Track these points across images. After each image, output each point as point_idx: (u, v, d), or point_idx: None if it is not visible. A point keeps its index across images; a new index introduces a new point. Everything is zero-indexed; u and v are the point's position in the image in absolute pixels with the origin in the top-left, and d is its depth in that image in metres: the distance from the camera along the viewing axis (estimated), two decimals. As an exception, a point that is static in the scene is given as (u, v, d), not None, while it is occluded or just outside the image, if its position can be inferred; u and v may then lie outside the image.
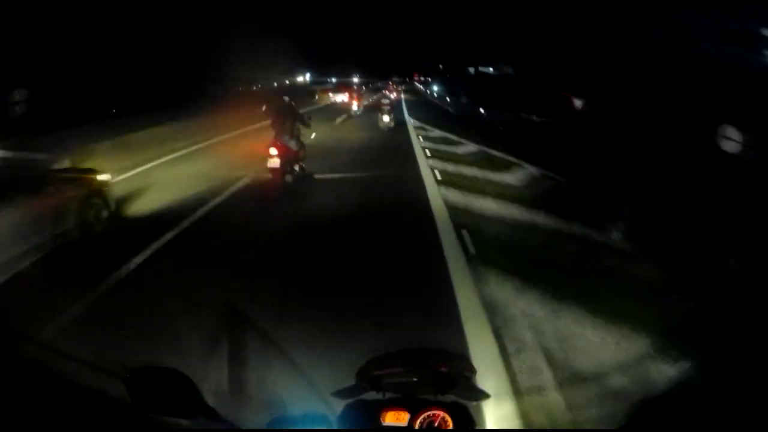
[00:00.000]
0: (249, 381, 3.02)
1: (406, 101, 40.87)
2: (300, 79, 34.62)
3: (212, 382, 2.93)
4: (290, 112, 8.95)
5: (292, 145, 8.69)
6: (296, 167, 8.76)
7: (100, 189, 6.13)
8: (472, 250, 5.40)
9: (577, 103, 16.59)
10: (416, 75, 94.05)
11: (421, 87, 73.71)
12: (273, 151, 8.27)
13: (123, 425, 2.00)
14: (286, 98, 9.28)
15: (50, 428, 2.24)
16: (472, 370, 1.40)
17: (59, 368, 2.47)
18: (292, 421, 1.17)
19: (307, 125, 9.27)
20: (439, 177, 9.42)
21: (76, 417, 2.31)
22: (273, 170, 8.27)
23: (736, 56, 11.00)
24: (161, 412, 1.07)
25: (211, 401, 1.09)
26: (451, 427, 1.23)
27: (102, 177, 6.24)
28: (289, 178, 8.42)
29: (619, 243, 5.86)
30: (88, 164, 7.65)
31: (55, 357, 2.40)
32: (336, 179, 9.46)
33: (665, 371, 3.22)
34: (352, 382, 1.39)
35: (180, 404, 1.07)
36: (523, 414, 2.73)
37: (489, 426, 2.52)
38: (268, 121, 9.06)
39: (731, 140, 8.56)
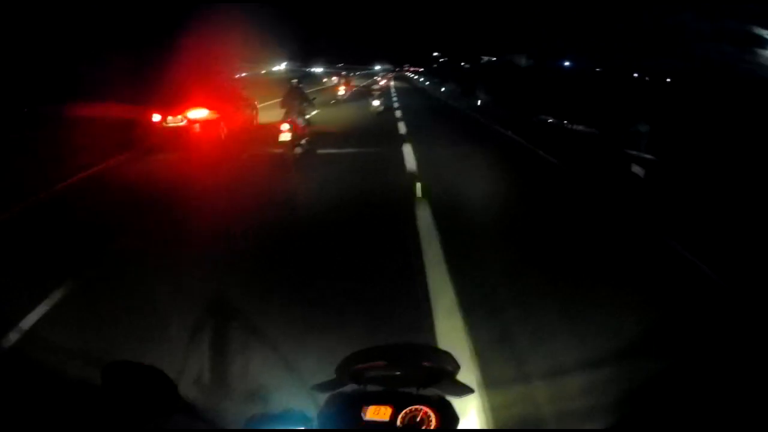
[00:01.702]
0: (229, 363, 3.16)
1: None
2: (276, 68, 33.45)
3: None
4: (299, 95, 10.55)
5: (300, 122, 10.25)
6: (303, 141, 10.31)
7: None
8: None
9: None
10: (409, 67, 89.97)
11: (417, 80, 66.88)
12: (285, 126, 9.82)
13: (98, 421, 1.87)
14: (295, 81, 10.89)
15: (26, 424, 2.23)
16: (456, 366, 1.35)
17: (37, 361, 2.80)
18: (271, 419, 1.16)
19: (312, 105, 10.86)
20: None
21: (52, 410, 2.32)
22: (284, 143, 9.82)
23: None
24: (137, 409, 1.07)
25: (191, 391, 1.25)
26: (434, 422, 1.20)
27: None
28: (298, 150, 9.97)
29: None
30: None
31: (32, 350, 2.92)
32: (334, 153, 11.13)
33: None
34: (332, 374, 1.35)
35: (157, 401, 1.07)
36: (506, 407, 2.76)
37: (473, 420, 2.54)
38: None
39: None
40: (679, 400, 2.66)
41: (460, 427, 1.24)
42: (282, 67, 36.13)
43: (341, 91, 26.32)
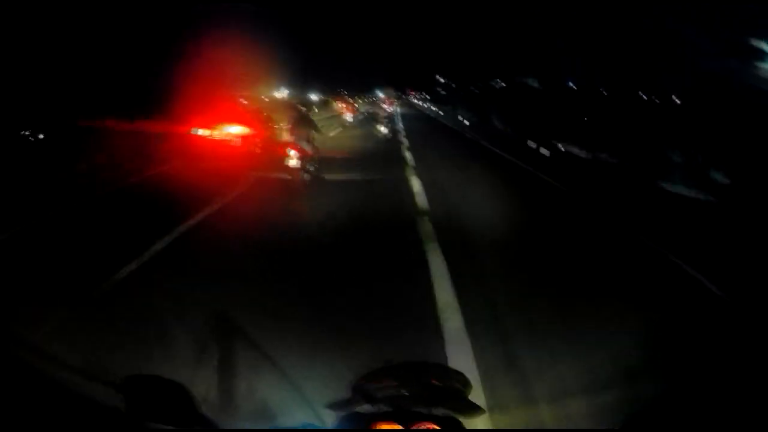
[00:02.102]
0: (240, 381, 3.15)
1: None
2: (277, 94, 32.89)
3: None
4: (306, 121, 10.73)
5: (308, 148, 10.39)
6: (311, 167, 10.44)
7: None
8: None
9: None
10: (411, 91, 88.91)
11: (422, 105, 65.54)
12: (292, 152, 9.97)
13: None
14: (303, 109, 11.13)
15: None
16: (467, 385, 1.38)
17: (52, 374, 2.70)
18: None
19: (319, 131, 11.03)
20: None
21: (69, 425, 2.40)
22: (293, 169, 9.95)
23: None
24: (157, 421, 1.08)
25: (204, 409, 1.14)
26: None
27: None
28: (306, 175, 10.09)
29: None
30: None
31: (48, 363, 2.72)
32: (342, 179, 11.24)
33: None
34: (346, 393, 1.38)
35: (176, 413, 1.09)
36: (518, 427, 2.81)
37: None
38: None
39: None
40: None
41: None
42: (282, 92, 35.48)
43: (349, 117, 26.83)
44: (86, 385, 2.51)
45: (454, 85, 55.39)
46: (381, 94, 72.77)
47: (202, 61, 17.33)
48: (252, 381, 3.13)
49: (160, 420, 1.08)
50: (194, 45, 18.22)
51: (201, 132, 13.36)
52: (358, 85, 68.36)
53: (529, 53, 26.95)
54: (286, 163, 10.00)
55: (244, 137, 13.72)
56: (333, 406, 1.34)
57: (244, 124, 13.84)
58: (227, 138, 13.42)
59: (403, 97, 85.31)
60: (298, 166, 9.95)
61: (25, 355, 2.98)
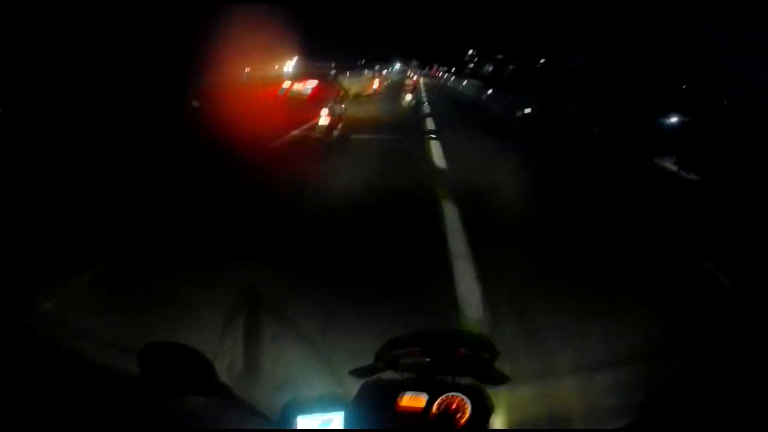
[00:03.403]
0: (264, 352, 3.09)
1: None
2: (286, 68, 31.89)
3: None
4: (338, 86, 11.71)
5: (338, 110, 11.35)
6: (339, 126, 11.43)
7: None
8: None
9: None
10: (434, 70, 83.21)
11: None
12: (324, 112, 10.95)
13: (134, 402, 1.90)
14: (333, 72, 12.09)
15: (59, 405, 2.24)
16: (494, 353, 1.34)
17: (71, 342, 2.76)
18: (309, 404, 1.16)
19: (348, 97, 11.99)
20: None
21: (85, 392, 2.33)
22: (323, 128, 10.94)
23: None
24: (174, 390, 1.09)
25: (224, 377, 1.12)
26: (468, 411, 1.20)
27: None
28: (335, 133, 11.09)
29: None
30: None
31: (67, 331, 2.89)
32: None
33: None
34: (369, 360, 1.35)
35: (194, 382, 1.08)
36: (542, 399, 2.67)
37: (505, 410, 2.70)
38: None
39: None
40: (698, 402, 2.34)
41: (493, 416, 1.24)
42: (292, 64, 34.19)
43: (376, 85, 27.58)
44: (103, 353, 2.50)
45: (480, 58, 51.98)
46: (402, 66, 71.91)
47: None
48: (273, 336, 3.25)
49: (177, 388, 1.07)
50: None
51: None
52: (379, 57, 66.62)
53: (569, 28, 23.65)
54: (318, 123, 10.98)
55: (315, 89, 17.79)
56: (356, 372, 1.33)
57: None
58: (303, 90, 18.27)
59: (427, 71, 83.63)
60: (328, 125, 10.93)
61: (42, 324, 3.12)
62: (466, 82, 42.48)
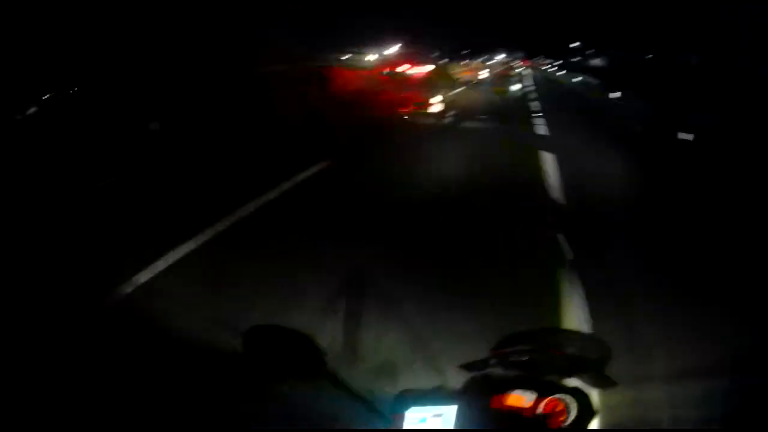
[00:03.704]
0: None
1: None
2: (387, 52, 32.82)
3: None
4: (449, 74, 12.16)
5: (448, 96, 11.82)
6: (451, 112, 11.88)
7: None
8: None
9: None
10: (538, 61, 79.75)
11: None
12: (436, 99, 11.51)
13: (238, 385, 1.90)
14: (446, 60, 12.51)
15: (160, 383, 2.25)
16: (605, 354, 1.32)
17: (175, 321, 2.81)
18: (421, 396, 1.15)
19: (459, 85, 12.37)
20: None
21: (188, 372, 2.33)
22: (435, 114, 11.48)
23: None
24: (281, 374, 1.11)
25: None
26: (573, 414, 1.21)
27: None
28: (446, 119, 11.56)
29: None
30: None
31: (172, 309, 2.95)
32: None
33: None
34: (480, 352, 1.35)
35: (301, 367, 1.07)
36: (632, 404, 2.56)
37: (605, 414, 2.31)
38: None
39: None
40: None
41: (595, 421, 1.23)
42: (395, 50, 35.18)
43: (483, 74, 27.81)
44: (209, 334, 2.56)
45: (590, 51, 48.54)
46: (507, 56, 70.56)
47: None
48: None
49: (285, 372, 1.07)
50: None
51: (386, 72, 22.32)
52: (483, 47, 65.15)
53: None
54: (430, 110, 11.54)
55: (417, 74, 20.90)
56: (467, 366, 1.33)
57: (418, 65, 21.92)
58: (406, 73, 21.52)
59: (532, 61, 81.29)
60: (439, 111, 11.45)
61: (150, 303, 3.16)
62: (567, 73, 41.67)
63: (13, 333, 2.84)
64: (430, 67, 21.00)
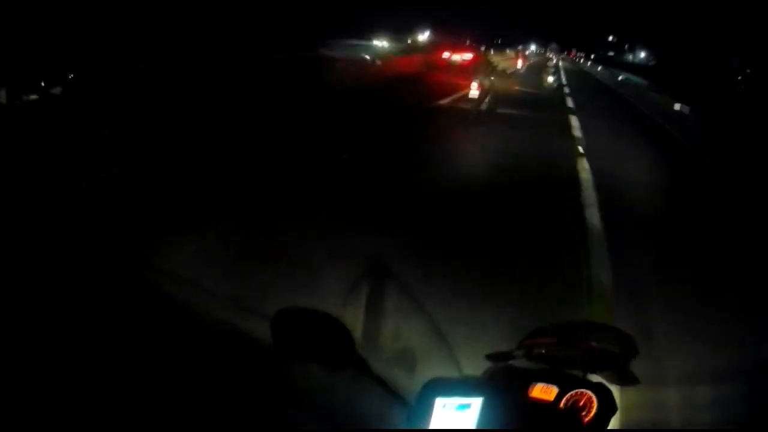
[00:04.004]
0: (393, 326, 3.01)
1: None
2: (420, 38, 34.34)
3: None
4: (486, 63, 12.46)
5: (486, 83, 12.09)
6: (488, 98, 12.16)
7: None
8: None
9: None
10: (572, 53, 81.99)
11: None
12: (474, 85, 11.76)
13: (264, 369, 1.86)
14: (483, 48, 12.83)
15: (186, 368, 2.24)
16: (632, 351, 1.27)
17: (200, 305, 2.77)
18: (449, 385, 1.11)
19: (496, 72, 12.67)
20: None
21: (214, 357, 2.32)
22: (473, 99, 11.77)
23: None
24: (307, 359, 1.05)
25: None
26: (595, 409, 1.20)
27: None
28: (484, 105, 11.86)
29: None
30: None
31: (198, 293, 2.90)
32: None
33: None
34: (506, 343, 1.33)
35: (329, 352, 1.03)
36: (651, 404, 2.56)
37: (629, 411, 2.31)
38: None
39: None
40: None
41: (615, 418, 1.20)
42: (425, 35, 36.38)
43: (518, 64, 28.02)
44: (236, 317, 2.55)
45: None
46: (540, 48, 70.02)
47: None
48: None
49: (312, 357, 1.04)
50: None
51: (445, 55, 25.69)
52: (516, 38, 63.93)
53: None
54: (468, 95, 11.84)
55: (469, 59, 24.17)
56: (492, 357, 1.33)
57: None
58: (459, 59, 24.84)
59: (566, 54, 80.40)
60: (477, 97, 11.73)
61: (177, 288, 3.04)
62: (601, 68, 40.21)
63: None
64: (472, 55, 23.56)
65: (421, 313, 3.08)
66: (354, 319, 2.93)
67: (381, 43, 25.61)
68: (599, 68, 47.57)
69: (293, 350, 1.04)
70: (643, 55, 42.62)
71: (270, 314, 1.02)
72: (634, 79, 29.79)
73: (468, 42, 30.12)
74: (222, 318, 2.60)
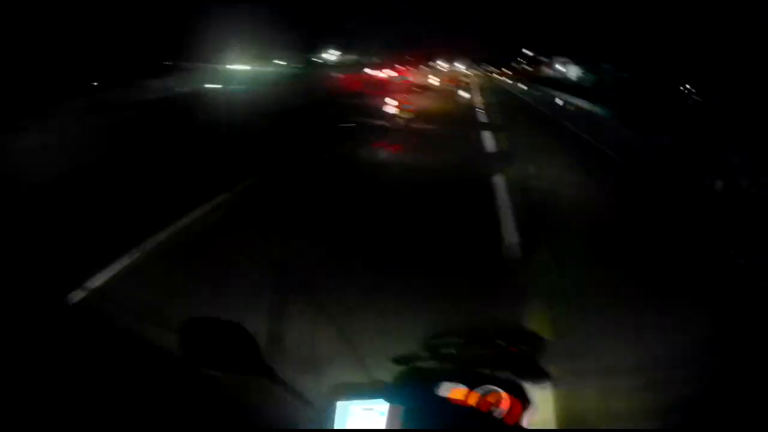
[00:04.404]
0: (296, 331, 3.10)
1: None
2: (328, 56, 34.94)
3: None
4: (406, 80, 13.27)
5: (404, 101, 12.91)
6: (405, 114, 12.90)
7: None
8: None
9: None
10: (487, 69, 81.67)
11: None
12: (390, 101, 12.52)
13: (174, 378, 1.87)
14: (404, 69, 13.61)
15: (101, 379, 2.22)
16: (538, 348, 1.35)
17: (114, 317, 2.90)
18: (355, 389, 1.15)
19: (416, 91, 13.52)
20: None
21: (127, 367, 2.33)
22: (390, 115, 12.49)
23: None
24: (216, 367, 1.07)
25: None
26: (507, 406, 1.19)
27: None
28: (401, 121, 12.58)
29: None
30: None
31: (111, 306, 3.05)
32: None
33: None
34: (412, 347, 1.36)
35: (236, 360, 1.07)
36: (576, 398, 2.69)
37: (542, 407, 2.28)
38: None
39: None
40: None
41: (529, 412, 1.23)
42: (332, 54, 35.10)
43: (435, 81, 29.33)
44: (144, 329, 2.61)
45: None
46: (456, 64, 72.59)
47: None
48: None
49: (219, 365, 1.06)
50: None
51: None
52: (432, 54, 64.25)
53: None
54: (384, 110, 12.55)
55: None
56: (398, 360, 1.35)
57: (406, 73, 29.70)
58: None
59: (481, 69, 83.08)
60: (394, 113, 12.50)
61: (85, 298, 3.18)
62: (518, 83, 40.44)
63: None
64: (392, 73, 25.91)
65: (332, 318, 3.15)
66: (263, 325, 2.99)
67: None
68: (504, 78, 50.17)
69: (201, 359, 1.07)
70: (574, 71, 41.67)
71: (178, 324, 1.07)
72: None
73: (400, 61, 32.03)
74: (134, 329, 2.63)
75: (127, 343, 2.55)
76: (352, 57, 34.22)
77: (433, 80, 30.35)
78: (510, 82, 51.06)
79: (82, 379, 2.26)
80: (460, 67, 69.17)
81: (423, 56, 54.63)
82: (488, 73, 75.78)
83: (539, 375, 1.32)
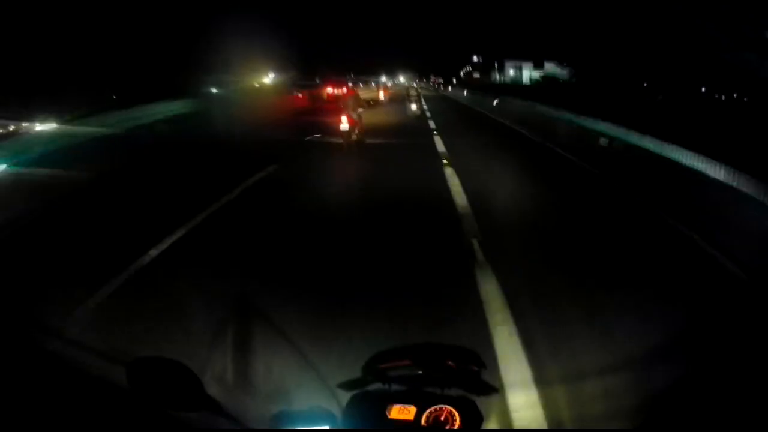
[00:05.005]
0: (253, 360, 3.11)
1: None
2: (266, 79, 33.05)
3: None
4: (356, 97, 13.65)
5: (355, 117, 13.18)
6: (357, 131, 13.23)
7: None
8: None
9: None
10: (433, 80, 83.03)
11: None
12: (344, 119, 12.77)
13: (124, 416, 1.85)
14: (351, 85, 14.06)
15: (50, 416, 2.23)
16: (481, 365, 1.38)
17: (64, 354, 2.92)
18: (297, 417, 1.16)
19: (364, 106, 13.90)
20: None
21: (76, 405, 2.32)
22: (343, 132, 12.73)
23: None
24: (163, 404, 1.09)
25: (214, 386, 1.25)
26: (458, 422, 1.20)
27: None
28: (354, 137, 12.88)
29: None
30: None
31: (60, 343, 3.06)
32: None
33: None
34: (358, 373, 1.38)
35: (182, 397, 1.09)
36: (533, 407, 2.71)
37: (496, 420, 2.50)
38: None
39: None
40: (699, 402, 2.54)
41: (484, 427, 1.23)
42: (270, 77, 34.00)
43: (381, 96, 29.84)
44: (94, 366, 2.62)
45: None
46: (401, 78, 73.45)
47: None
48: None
49: (165, 403, 1.09)
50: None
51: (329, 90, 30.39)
52: (366, 69, 62.85)
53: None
54: (339, 128, 12.79)
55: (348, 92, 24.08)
56: (345, 385, 1.36)
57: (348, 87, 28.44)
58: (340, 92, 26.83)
59: (427, 82, 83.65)
60: (347, 129, 12.74)
61: (34, 336, 3.16)
62: (466, 92, 40.56)
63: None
64: (336, 90, 27.08)
65: (284, 346, 3.17)
66: (213, 357, 3.07)
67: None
68: (451, 89, 50.46)
69: (147, 397, 1.09)
70: (512, 72, 42.57)
71: (127, 361, 1.09)
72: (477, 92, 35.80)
73: (342, 77, 32.23)
74: (82, 365, 2.67)
75: (77, 376, 2.61)
76: (283, 78, 33.23)
77: (380, 95, 30.63)
78: (456, 91, 51.81)
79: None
80: (405, 81, 70.23)
81: (368, 72, 55.19)
82: (434, 84, 76.94)
83: (488, 389, 1.37)
